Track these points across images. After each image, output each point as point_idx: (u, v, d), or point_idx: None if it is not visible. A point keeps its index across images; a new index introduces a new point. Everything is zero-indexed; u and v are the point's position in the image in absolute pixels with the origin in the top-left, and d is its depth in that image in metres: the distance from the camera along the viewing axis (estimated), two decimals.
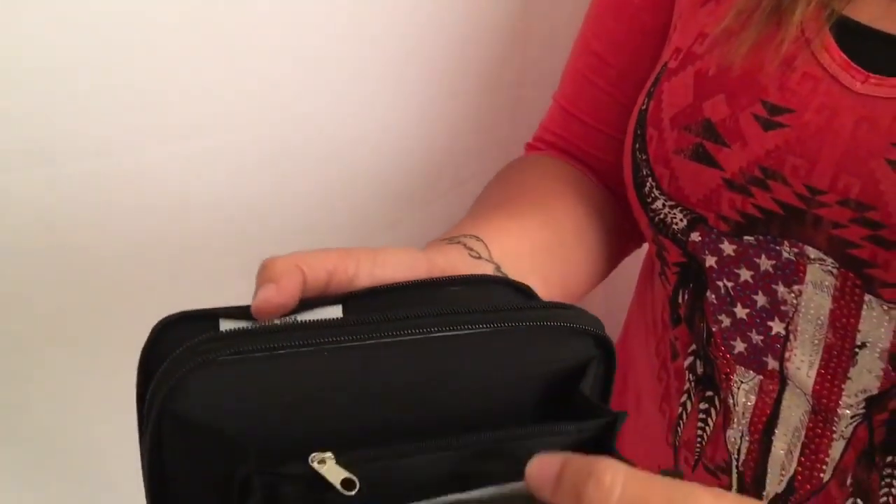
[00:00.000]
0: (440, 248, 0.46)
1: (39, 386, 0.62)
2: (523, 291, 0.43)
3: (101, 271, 0.55)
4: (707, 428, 0.56)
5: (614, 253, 0.63)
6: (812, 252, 0.46)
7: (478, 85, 0.74)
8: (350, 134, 0.67)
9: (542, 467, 0.32)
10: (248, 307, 0.38)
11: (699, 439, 0.56)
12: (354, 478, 0.33)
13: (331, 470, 0.33)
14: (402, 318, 0.37)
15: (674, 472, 0.36)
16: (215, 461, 0.34)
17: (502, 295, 0.42)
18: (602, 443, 0.39)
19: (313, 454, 0.34)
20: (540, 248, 0.53)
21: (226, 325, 0.38)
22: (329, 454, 0.34)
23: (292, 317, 0.39)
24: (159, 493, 0.35)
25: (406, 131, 0.69)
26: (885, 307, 0.45)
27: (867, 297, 0.45)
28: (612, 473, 0.29)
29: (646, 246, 0.64)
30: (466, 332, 0.37)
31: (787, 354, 0.50)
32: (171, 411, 0.33)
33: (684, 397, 0.57)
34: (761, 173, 0.47)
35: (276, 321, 0.39)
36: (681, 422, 0.58)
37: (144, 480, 0.35)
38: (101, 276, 0.56)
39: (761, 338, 0.50)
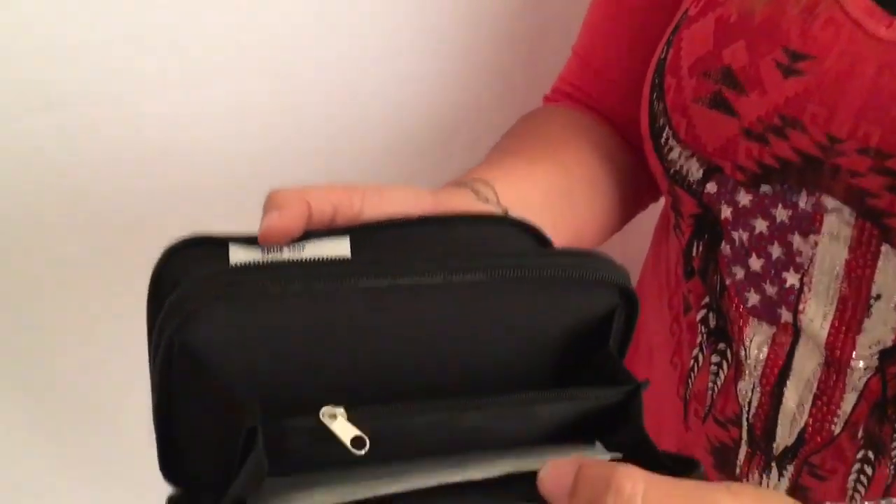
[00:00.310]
0: (448, 191, 0.46)
1: (54, 330, 0.62)
2: (535, 234, 0.42)
3: (113, 216, 0.56)
4: (718, 380, 0.55)
5: (629, 205, 0.62)
6: (830, 202, 0.46)
7: (494, 38, 0.73)
8: (366, 88, 0.67)
9: (556, 475, 0.31)
10: (256, 236, 0.38)
11: (710, 392, 0.56)
12: (365, 436, 0.32)
13: (341, 426, 0.33)
14: (420, 259, 0.36)
15: (691, 462, 0.36)
16: (222, 400, 0.34)
17: (514, 236, 0.42)
18: (626, 413, 0.39)
19: (324, 408, 0.33)
20: (550, 196, 0.53)
21: (235, 251, 0.38)
22: (341, 409, 0.33)
23: (300, 246, 0.39)
24: (167, 432, 0.35)
25: (422, 85, 0.69)
26: None
27: (884, 248, 0.45)
28: (631, 482, 0.29)
29: (662, 200, 0.64)
30: (486, 279, 0.36)
31: (800, 306, 0.49)
32: (182, 342, 0.33)
33: (696, 350, 0.57)
34: (780, 122, 0.46)
35: (285, 250, 0.39)
36: (692, 374, 0.58)
37: (154, 415, 0.35)
38: (113, 220, 0.56)
39: (775, 289, 0.50)
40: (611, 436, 0.41)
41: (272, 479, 0.36)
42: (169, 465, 0.36)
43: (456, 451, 0.38)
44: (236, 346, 0.34)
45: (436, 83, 0.72)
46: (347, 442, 0.33)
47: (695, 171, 0.51)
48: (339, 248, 0.40)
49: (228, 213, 0.46)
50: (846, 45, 0.45)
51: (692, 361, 0.57)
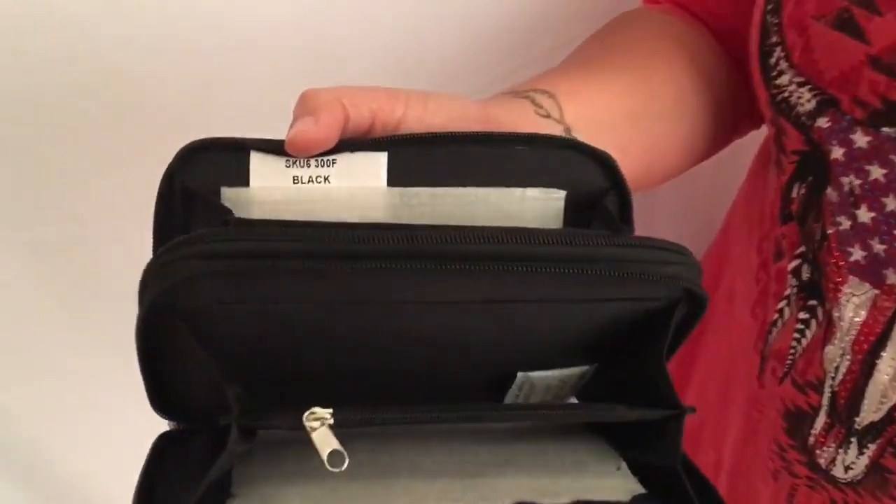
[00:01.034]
0: (502, 102, 0.41)
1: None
2: (603, 162, 0.37)
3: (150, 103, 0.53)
4: (803, 340, 0.49)
5: (722, 132, 0.55)
6: None
7: None
8: None
9: None
10: (282, 142, 0.34)
11: (792, 351, 0.50)
12: (344, 453, 0.29)
13: (322, 437, 0.29)
14: (462, 236, 0.31)
15: None
16: (206, 366, 0.31)
17: (577, 168, 0.37)
18: (663, 436, 0.35)
19: (309, 411, 0.29)
20: (625, 114, 0.47)
21: (257, 161, 0.34)
22: (328, 413, 0.30)
23: (330, 160, 0.35)
24: (152, 375, 0.32)
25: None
26: None
27: None
28: None
29: (764, 128, 0.56)
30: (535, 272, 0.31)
31: None
32: (163, 305, 0.30)
33: (783, 303, 0.51)
34: None
35: (312, 164, 0.34)
36: (774, 329, 0.52)
37: (138, 356, 0.32)
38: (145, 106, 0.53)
39: (884, 247, 0.43)
40: (641, 453, 0.37)
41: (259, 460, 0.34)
42: (159, 401, 0.33)
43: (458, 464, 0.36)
44: (222, 320, 0.31)
45: None
46: (324, 456, 0.29)
47: (806, 101, 0.44)
48: (374, 167, 0.35)
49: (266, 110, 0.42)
50: None
51: (776, 315, 0.51)
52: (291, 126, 0.34)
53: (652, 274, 0.32)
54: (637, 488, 0.36)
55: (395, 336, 0.33)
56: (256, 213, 0.34)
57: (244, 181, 0.34)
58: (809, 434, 0.50)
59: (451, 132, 0.36)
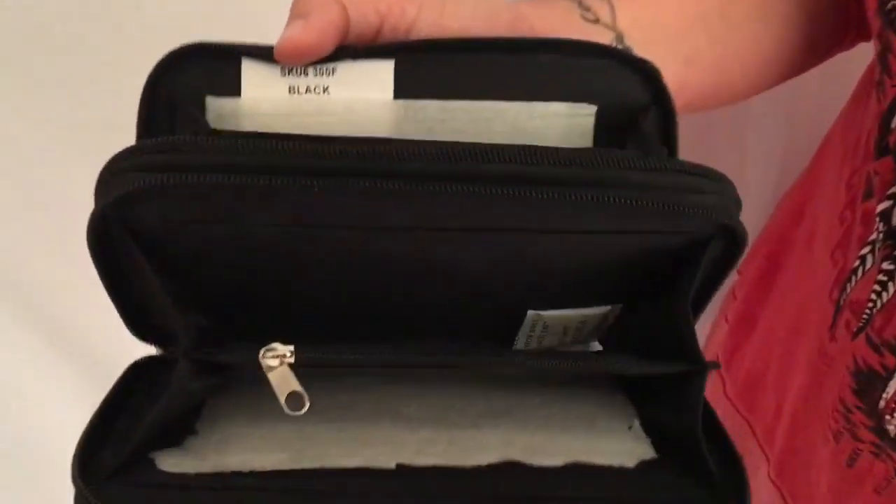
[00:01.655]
0: (541, 2, 0.35)
1: None
2: (643, 73, 0.31)
3: None
4: (884, 294, 0.43)
5: (819, 42, 0.47)
6: None
7: None
8: None
9: None
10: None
11: (870, 305, 0.44)
12: (304, 395, 0.26)
13: (281, 377, 0.26)
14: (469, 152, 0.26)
15: (737, 467, 0.30)
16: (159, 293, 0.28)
17: (611, 79, 0.31)
18: (682, 393, 0.30)
19: (267, 347, 0.26)
20: (695, 18, 0.40)
21: (249, 70, 0.31)
22: (289, 351, 0.27)
23: (329, 68, 0.31)
24: (120, 298, 0.30)
25: None
26: None
27: None
28: None
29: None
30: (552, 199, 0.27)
31: None
32: (114, 219, 0.27)
33: (866, 249, 0.45)
34: None
35: (310, 73, 0.31)
36: (853, 278, 0.46)
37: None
38: None
39: None
40: (659, 409, 0.33)
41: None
42: (131, 322, 0.31)
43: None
44: (176, 240, 0.28)
45: None
46: (282, 398, 0.27)
47: None
48: (380, 76, 0.31)
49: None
50: None
51: (857, 262, 0.45)
52: (284, 30, 0.30)
53: (676, 203, 0.27)
54: (646, 452, 0.32)
55: (372, 263, 0.29)
56: (245, 126, 0.31)
57: (235, 91, 0.31)
58: (880, 398, 0.44)
59: (466, 38, 0.31)
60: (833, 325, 0.47)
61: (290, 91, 0.31)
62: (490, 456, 0.30)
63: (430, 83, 0.31)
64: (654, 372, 0.31)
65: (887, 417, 0.44)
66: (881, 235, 0.43)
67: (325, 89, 0.31)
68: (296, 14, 0.30)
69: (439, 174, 0.25)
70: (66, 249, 0.53)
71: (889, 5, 0.38)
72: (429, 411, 0.33)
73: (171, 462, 0.30)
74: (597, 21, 0.36)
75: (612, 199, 0.26)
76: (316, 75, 0.31)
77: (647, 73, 0.32)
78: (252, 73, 0.31)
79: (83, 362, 0.76)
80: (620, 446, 0.32)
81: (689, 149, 0.71)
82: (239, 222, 0.27)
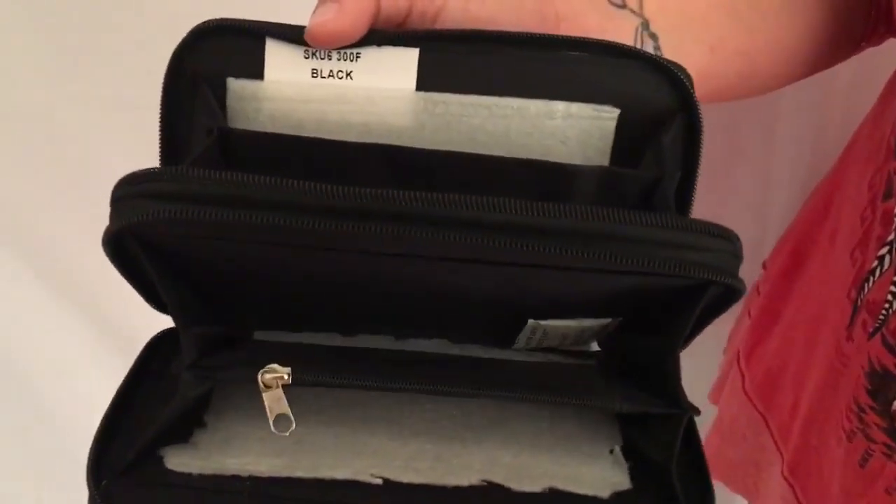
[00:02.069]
0: None
1: None
2: (672, 78, 0.31)
3: None
4: None
5: (848, 36, 0.47)
6: None
7: None
8: None
9: None
10: (303, 28, 0.31)
11: (887, 305, 0.44)
12: (291, 418, 0.28)
13: (274, 399, 0.28)
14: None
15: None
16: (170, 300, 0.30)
17: (638, 82, 0.31)
18: (665, 430, 0.31)
19: (265, 369, 0.28)
20: (719, 6, 0.40)
21: (273, 51, 0.31)
22: (286, 373, 0.28)
23: (354, 53, 0.31)
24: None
25: None
26: None
27: None
28: None
29: None
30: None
31: None
32: (127, 233, 0.28)
33: (884, 249, 0.44)
34: None
35: (334, 57, 0.31)
36: (871, 278, 0.45)
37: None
38: None
39: None
40: (640, 436, 0.34)
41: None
42: (156, 304, 0.32)
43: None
44: (187, 251, 0.29)
45: None
46: (271, 419, 0.28)
47: None
48: (404, 65, 0.31)
49: None
50: None
51: (875, 262, 0.45)
52: (314, 12, 0.31)
53: (670, 261, 0.27)
54: (622, 482, 0.33)
55: (372, 278, 0.30)
56: (265, 109, 0.32)
57: (258, 72, 0.32)
58: (894, 399, 0.44)
59: (491, 31, 0.32)
60: (850, 325, 0.47)
61: (312, 74, 0.32)
62: (473, 477, 0.32)
63: (453, 75, 0.32)
64: (634, 411, 0.31)
65: None
66: None
67: (349, 74, 0.31)
68: None
69: (442, 221, 0.26)
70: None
71: None
72: (422, 418, 0.34)
73: (178, 461, 0.32)
74: (623, 6, 0.36)
75: (599, 255, 0.26)
76: (340, 60, 0.31)
77: (674, 78, 0.32)
78: (276, 55, 0.31)
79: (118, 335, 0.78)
80: (599, 473, 0.33)
81: (718, 144, 0.71)
82: (242, 243, 0.28)
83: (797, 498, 0.56)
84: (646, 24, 0.38)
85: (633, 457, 0.33)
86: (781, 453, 0.58)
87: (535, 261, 0.28)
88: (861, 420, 0.47)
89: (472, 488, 0.32)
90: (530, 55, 0.32)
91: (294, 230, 0.25)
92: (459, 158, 0.30)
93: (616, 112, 0.32)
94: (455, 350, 0.36)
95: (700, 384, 0.75)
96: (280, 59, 0.32)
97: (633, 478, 0.33)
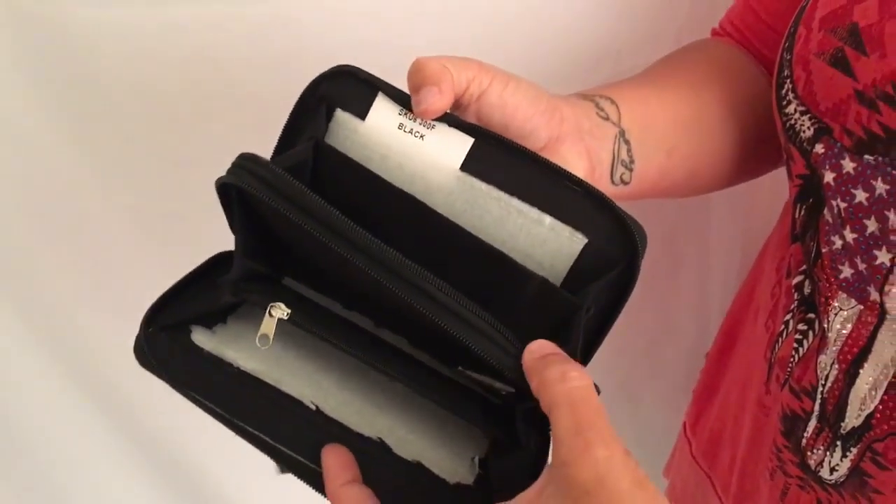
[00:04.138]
0: (569, 99, 0.47)
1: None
2: (631, 243, 0.42)
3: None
4: (801, 349, 0.54)
5: (754, 158, 0.60)
6: None
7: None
8: (507, 8, 0.67)
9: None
10: (406, 95, 0.42)
11: (792, 359, 0.55)
12: (269, 337, 0.41)
13: (268, 323, 0.41)
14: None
15: None
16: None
17: (609, 226, 0.42)
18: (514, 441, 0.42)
19: (273, 304, 0.41)
20: (674, 124, 0.52)
21: (380, 103, 0.43)
22: (286, 313, 0.41)
23: (431, 125, 0.42)
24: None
25: (567, 8, 0.68)
26: None
27: None
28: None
29: None
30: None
31: (887, 287, 0.47)
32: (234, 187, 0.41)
33: (788, 315, 0.55)
34: (893, 90, 0.43)
35: (417, 122, 0.42)
36: (780, 340, 0.56)
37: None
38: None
39: (865, 266, 0.48)
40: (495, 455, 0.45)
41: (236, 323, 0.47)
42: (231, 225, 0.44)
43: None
44: (265, 214, 0.42)
45: (583, 6, 0.70)
46: (258, 334, 0.41)
47: (806, 128, 0.49)
48: (460, 145, 0.42)
49: None
50: None
51: (782, 326, 0.56)
52: (418, 93, 0.41)
53: (478, 344, 0.39)
54: (467, 479, 0.44)
55: (362, 283, 0.42)
56: (353, 139, 0.43)
57: (363, 113, 0.43)
58: (802, 436, 0.54)
59: (522, 147, 0.42)
60: (767, 380, 0.58)
61: (398, 127, 0.42)
62: (373, 432, 0.44)
63: (489, 168, 0.42)
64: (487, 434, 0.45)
65: (809, 453, 0.54)
66: (797, 303, 0.54)
67: (423, 136, 0.42)
68: (423, 79, 0.40)
69: (396, 273, 0.38)
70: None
71: (787, 124, 0.51)
72: (365, 381, 0.46)
73: (199, 338, 0.45)
74: (607, 119, 0.48)
75: (445, 322, 0.38)
76: (421, 124, 0.42)
77: (632, 242, 0.41)
78: (381, 106, 0.42)
79: None
80: (454, 468, 0.44)
81: (660, 254, 0.82)
82: (289, 225, 0.40)
83: None
84: (622, 133, 0.49)
85: (486, 468, 0.44)
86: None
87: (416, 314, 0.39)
88: (779, 458, 0.56)
89: (368, 439, 0.44)
90: (544, 175, 0.42)
91: (314, 234, 0.38)
92: (457, 231, 0.41)
93: (585, 240, 0.42)
94: (408, 350, 0.47)
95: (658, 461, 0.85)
96: (382, 110, 0.42)
97: (475, 481, 0.44)
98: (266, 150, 0.44)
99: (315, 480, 0.43)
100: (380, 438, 0.44)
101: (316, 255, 0.43)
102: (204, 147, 0.66)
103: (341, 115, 0.43)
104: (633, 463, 0.33)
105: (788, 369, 0.55)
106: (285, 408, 0.44)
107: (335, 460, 0.42)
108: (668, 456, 0.84)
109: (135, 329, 0.44)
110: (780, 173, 0.64)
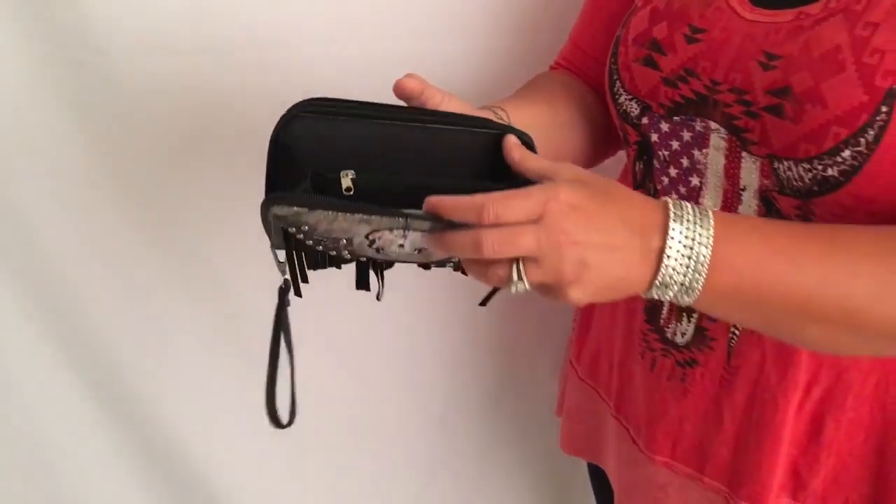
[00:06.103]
0: (481, 110, 0.72)
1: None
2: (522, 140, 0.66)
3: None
4: None
5: (599, 143, 0.87)
6: (713, 125, 0.70)
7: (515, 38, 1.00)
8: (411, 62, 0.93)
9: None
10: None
11: None
12: (352, 187, 0.60)
13: (345, 181, 0.60)
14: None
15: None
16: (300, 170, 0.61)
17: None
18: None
19: (345, 170, 0.60)
20: (543, 125, 0.78)
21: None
22: (352, 173, 0.60)
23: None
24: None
25: (456, 64, 0.96)
26: (754, 159, 0.68)
27: (743, 154, 0.69)
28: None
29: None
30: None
31: (700, 200, 0.74)
32: (277, 140, 0.60)
33: None
34: (684, 72, 0.71)
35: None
36: None
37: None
38: None
39: (685, 189, 0.75)
40: None
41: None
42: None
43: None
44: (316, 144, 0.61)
45: (466, 62, 0.98)
46: (343, 187, 0.60)
47: (634, 109, 0.76)
48: None
49: None
50: (726, 23, 0.70)
51: None
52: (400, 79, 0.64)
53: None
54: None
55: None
56: None
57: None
58: (660, 317, 0.79)
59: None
60: None
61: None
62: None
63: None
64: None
65: (666, 329, 0.79)
66: None
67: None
68: (406, 77, 0.64)
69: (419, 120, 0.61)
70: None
71: (620, 110, 0.78)
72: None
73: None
74: (502, 120, 0.72)
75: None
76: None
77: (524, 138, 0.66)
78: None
79: None
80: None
81: None
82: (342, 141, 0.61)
83: (623, 425, 0.89)
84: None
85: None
86: (608, 404, 0.91)
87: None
88: (645, 340, 0.81)
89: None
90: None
91: (372, 116, 0.62)
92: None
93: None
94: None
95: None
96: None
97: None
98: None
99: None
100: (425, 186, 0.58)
101: (366, 142, 0.61)
102: (204, 147, 0.84)
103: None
104: None
105: None
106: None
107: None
108: (557, 405, 1.08)
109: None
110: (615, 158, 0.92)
